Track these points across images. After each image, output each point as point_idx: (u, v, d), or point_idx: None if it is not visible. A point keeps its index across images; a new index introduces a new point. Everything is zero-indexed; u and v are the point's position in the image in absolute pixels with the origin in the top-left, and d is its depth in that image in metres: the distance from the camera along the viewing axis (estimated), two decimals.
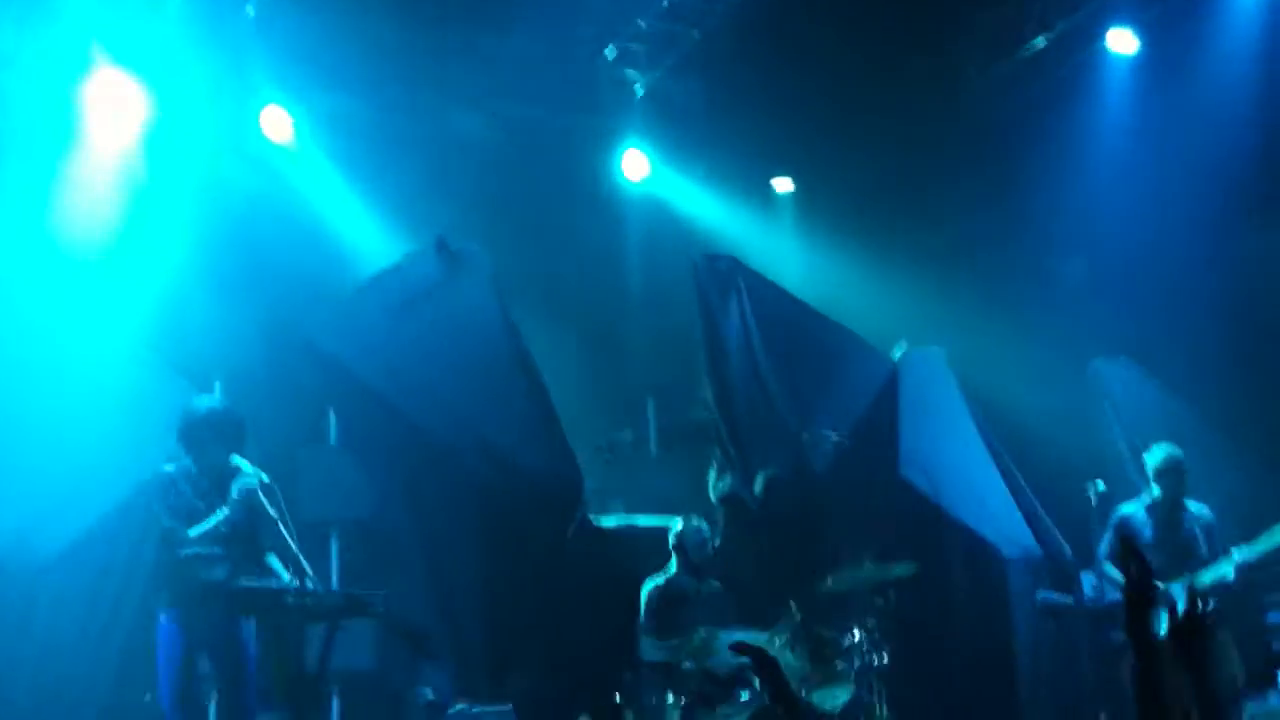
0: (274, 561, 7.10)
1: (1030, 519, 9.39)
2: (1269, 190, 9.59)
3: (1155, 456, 8.56)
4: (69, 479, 7.81)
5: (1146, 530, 8.49)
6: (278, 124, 9.60)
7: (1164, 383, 10.16)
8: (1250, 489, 9.13)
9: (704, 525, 8.49)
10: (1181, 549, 8.33)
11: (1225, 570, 8.11)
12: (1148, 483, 8.64)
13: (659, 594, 8.11)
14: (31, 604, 7.63)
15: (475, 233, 9.25)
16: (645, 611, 8.05)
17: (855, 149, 11.18)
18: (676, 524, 8.39)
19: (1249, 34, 9.45)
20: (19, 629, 7.51)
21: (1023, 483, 9.65)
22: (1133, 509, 8.61)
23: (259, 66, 9.35)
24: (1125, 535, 8.22)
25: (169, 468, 7.02)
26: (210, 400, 7.54)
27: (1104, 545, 8.59)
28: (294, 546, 6.88)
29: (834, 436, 8.96)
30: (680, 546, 8.27)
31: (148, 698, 6.85)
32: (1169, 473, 8.45)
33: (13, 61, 8.43)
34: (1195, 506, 8.49)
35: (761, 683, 7.32)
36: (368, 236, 9.55)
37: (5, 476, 7.71)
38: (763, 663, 7.17)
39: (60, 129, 8.57)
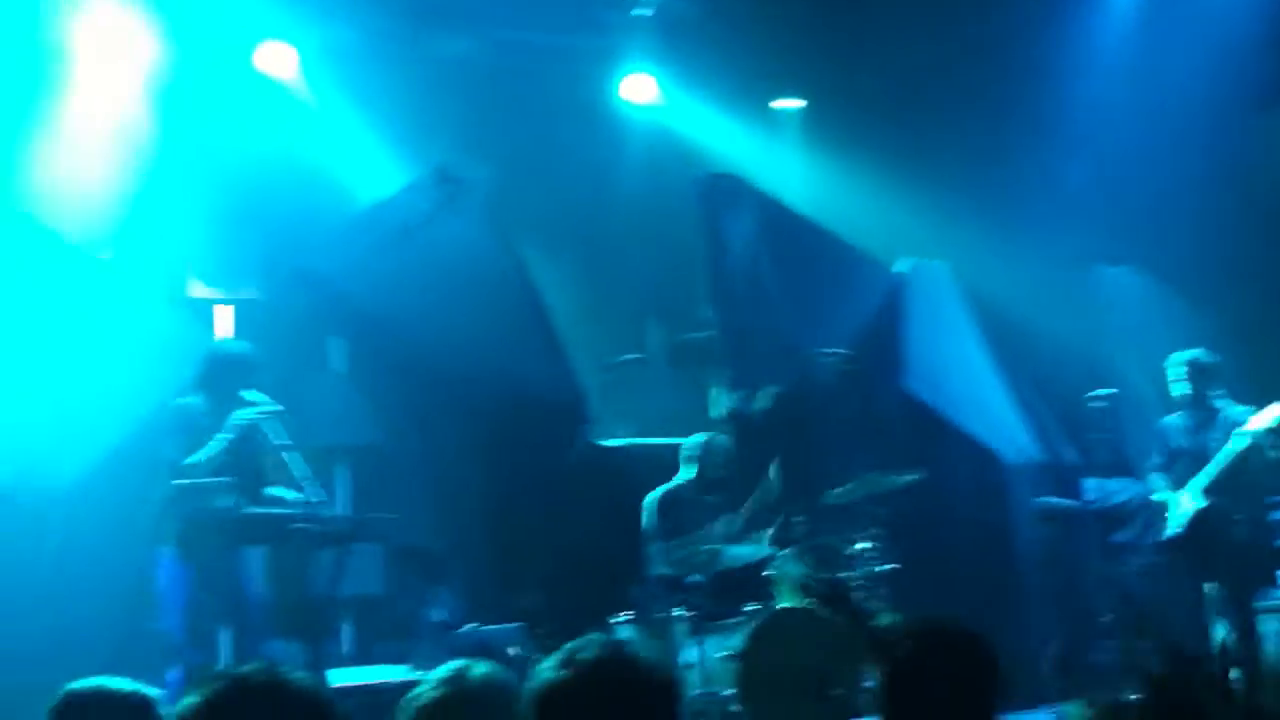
0: (278, 489, 7.16)
1: (1032, 425, 9.39)
2: (1273, 74, 9.42)
3: (1172, 362, 8.43)
4: (80, 412, 7.91)
5: (1179, 437, 8.38)
6: (277, 58, 9.57)
7: (1171, 288, 10.05)
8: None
9: (728, 442, 8.52)
10: (1203, 455, 8.19)
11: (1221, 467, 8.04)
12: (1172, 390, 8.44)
13: (663, 499, 8.19)
14: (41, 536, 7.74)
15: (473, 160, 9.28)
16: (650, 516, 8.11)
17: (860, 66, 11.06)
18: (701, 437, 8.43)
19: None
20: (29, 560, 7.61)
21: (1026, 389, 9.63)
22: (1171, 418, 8.48)
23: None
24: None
25: (181, 402, 7.11)
26: (237, 345, 7.78)
27: (1153, 456, 8.55)
28: (298, 473, 6.95)
29: (839, 351, 8.96)
30: (703, 458, 8.29)
31: (159, 628, 6.93)
32: (1186, 377, 8.30)
33: None
34: (1233, 410, 8.21)
35: (835, 606, 7.41)
36: (363, 167, 9.54)
37: (15, 408, 7.81)
38: (834, 588, 7.29)
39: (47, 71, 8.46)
